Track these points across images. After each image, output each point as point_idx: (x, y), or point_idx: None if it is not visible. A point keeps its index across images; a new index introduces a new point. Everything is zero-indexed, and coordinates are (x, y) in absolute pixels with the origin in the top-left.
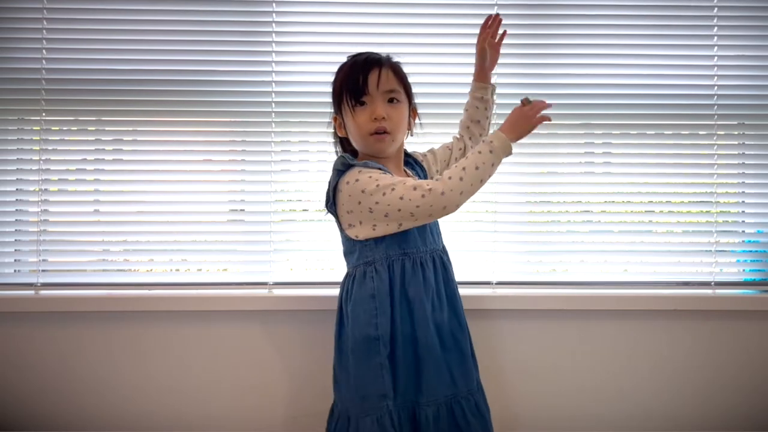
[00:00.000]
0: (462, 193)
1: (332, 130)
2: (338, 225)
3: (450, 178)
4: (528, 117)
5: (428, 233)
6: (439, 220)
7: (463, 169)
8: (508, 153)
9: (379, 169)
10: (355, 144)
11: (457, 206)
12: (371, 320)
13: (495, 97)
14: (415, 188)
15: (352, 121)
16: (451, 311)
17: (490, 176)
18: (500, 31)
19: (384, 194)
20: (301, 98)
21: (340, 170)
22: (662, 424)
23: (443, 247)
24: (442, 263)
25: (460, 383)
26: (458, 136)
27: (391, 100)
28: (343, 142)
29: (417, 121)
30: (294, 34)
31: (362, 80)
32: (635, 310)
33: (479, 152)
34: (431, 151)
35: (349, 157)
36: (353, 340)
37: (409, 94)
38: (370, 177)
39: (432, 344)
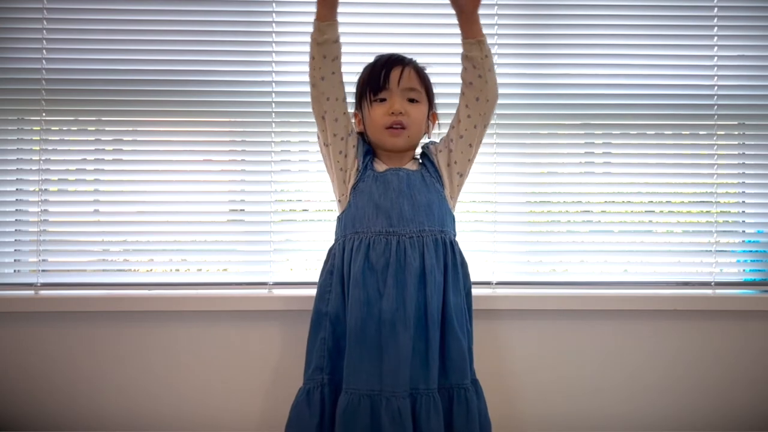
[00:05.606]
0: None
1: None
2: None
3: None
4: None
5: (390, 215)
6: (424, 205)
7: None
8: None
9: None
10: (370, 138)
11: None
12: (324, 295)
13: (487, 50)
14: None
15: (370, 115)
16: (402, 303)
17: None
18: None
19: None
20: (301, 98)
21: None
22: (663, 424)
23: (424, 233)
24: (404, 250)
25: (387, 381)
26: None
27: (411, 100)
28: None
29: (436, 129)
30: (294, 34)
31: (384, 76)
32: (635, 310)
33: None
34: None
35: None
36: (312, 313)
37: (430, 98)
38: None
39: (356, 332)
